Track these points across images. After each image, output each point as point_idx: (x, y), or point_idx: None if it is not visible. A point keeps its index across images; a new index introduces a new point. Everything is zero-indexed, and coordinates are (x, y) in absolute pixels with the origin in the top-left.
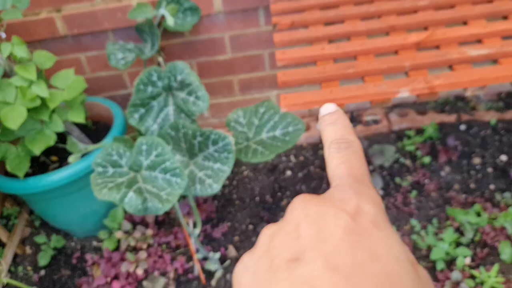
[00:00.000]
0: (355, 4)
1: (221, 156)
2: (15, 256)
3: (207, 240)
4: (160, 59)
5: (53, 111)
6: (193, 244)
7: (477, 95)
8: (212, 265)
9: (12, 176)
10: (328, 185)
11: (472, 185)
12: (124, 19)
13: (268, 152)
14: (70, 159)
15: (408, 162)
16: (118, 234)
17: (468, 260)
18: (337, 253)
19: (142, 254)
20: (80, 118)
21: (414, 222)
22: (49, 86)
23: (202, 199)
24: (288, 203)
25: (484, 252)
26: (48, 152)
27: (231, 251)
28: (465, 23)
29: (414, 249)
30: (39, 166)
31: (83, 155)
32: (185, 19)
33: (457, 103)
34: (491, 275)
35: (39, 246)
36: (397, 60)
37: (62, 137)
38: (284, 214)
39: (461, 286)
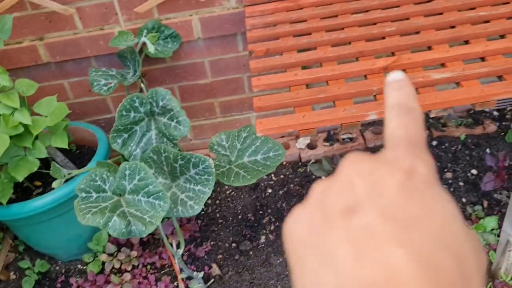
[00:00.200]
0: (327, 31)
1: (202, 178)
2: None
3: (191, 259)
4: (142, 85)
5: (36, 137)
6: (177, 264)
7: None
8: (196, 284)
9: None
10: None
11: None
12: (106, 46)
13: (250, 176)
14: (54, 184)
15: None
16: (103, 257)
17: None
18: (393, 206)
19: (127, 276)
20: (63, 144)
21: None
22: (32, 113)
23: (186, 219)
24: (270, 220)
25: None
26: (31, 177)
27: (215, 270)
28: (429, 47)
29: None
30: (22, 191)
31: (67, 180)
32: (166, 45)
33: (429, 120)
34: None
35: (23, 271)
36: (365, 84)
37: (46, 161)
38: (263, 234)
39: None
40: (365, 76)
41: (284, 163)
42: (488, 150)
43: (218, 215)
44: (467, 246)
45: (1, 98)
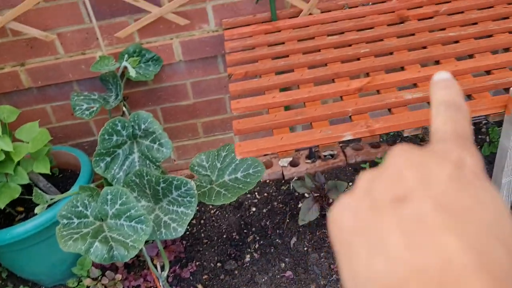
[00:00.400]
0: (304, 53)
1: (184, 200)
2: None
3: (177, 280)
4: (125, 109)
5: (18, 163)
6: (162, 286)
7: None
8: None
9: None
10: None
11: None
12: (88, 70)
13: (231, 194)
14: (36, 210)
15: None
16: (87, 281)
17: None
18: (445, 196)
19: None
20: (45, 169)
21: None
22: (14, 139)
23: (171, 240)
24: (254, 239)
25: None
26: (14, 202)
27: None
28: (402, 68)
29: None
30: (4, 217)
31: (50, 205)
32: (148, 68)
33: (404, 137)
34: None
35: None
36: (341, 105)
37: (28, 186)
38: (249, 251)
39: None
40: (341, 97)
41: (268, 181)
42: None
43: (203, 235)
44: None
45: None
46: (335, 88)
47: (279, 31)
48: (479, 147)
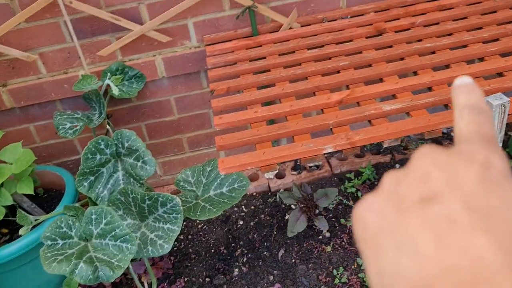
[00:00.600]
0: (285, 67)
1: (170, 216)
2: None
3: None
4: (108, 127)
5: (1, 184)
6: None
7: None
8: None
9: None
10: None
11: None
12: (71, 89)
13: (216, 209)
14: (21, 231)
15: (351, 203)
16: None
17: None
18: (473, 197)
19: None
20: (29, 190)
21: (360, 260)
22: None
23: (158, 257)
24: (242, 252)
25: None
26: None
27: None
28: (381, 79)
29: (362, 287)
30: None
31: (35, 226)
32: (131, 86)
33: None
34: None
35: None
36: (322, 118)
37: (12, 207)
38: (237, 264)
39: None
40: (322, 110)
41: (254, 193)
42: None
43: (190, 250)
44: None
45: None
46: (316, 101)
47: (260, 45)
48: None
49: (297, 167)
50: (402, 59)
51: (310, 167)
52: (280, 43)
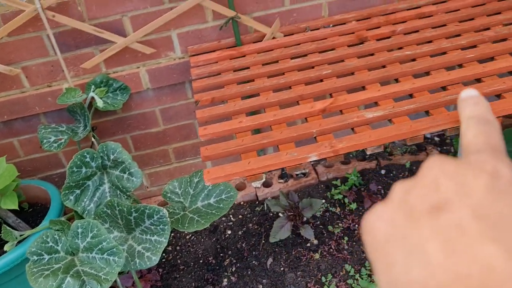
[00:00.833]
0: (268, 76)
1: (157, 228)
2: None
3: None
4: (94, 140)
5: None
6: None
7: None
8: None
9: None
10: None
11: None
12: (55, 102)
13: (204, 220)
14: (6, 247)
15: (338, 210)
16: None
17: None
18: (482, 206)
19: None
20: (13, 205)
21: (348, 267)
22: None
23: (146, 269)
24: (231, 262)
25: None
26: None
27: None
28: (363, 87)
29: None
30: None
31: (20, 241)
32: (116, 98)
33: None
34: None
35: None
36: (306, 127)
37: None
38: (226, 275)
39: None
40: (306, 118)
41: (242, 203)
42: None
43: (179, 261)
44: None
45: None
46: (300, 110)
47: (244, 56)
48: None
49: (284, 175)
50: (383, 66)
51: (297, 175)
52: (264, 53)
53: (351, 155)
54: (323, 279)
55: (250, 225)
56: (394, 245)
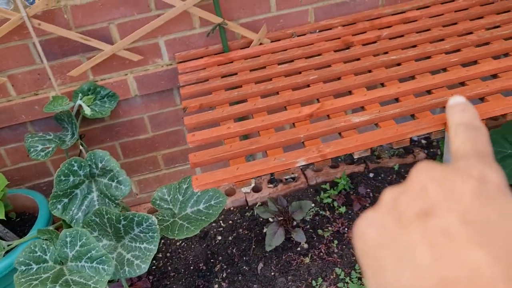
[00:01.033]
0: (256, 82)
1: (146, 236)
2: None
3: None
4: (82, 148)
5: None
6: None
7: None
8: None
9: None
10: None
11: None
12: (42, 111)
13: (194, 227)
14: None
15: (327, 213)
16: None
17: None
18: (470, 211)
19: None
20: (0, 215)
21: (338, 270)
22: None
23: (137, 277)
24: (222, 268)
25: None
26: None
27: None
28: (350, 92)
29: None
30: None
31: (7, 251)
32: (103, 105)
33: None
34: None
35: None
36: (293, 132)
37: None
38: (217, 279)
39: None
40: (293, 124)
41: (232, 208)
42: None
43: (169, 268)
44: None
45: None
46: (287, 115)
47: (231, 62)
48: (431, 160)
49: (273, 180)
50: (369, 71)
51: (286, 179)
52: (251, 59)
53: (339, 159)
54: (314, 283)
55: (240, 230)
56: (384, 250)
